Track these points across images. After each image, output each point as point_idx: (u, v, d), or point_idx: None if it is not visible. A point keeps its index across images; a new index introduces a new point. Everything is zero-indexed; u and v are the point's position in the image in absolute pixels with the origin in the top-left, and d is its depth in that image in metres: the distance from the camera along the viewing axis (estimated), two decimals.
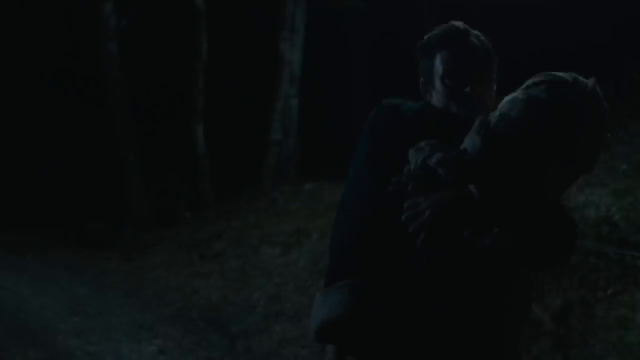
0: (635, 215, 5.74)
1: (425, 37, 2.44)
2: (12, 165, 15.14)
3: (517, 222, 2.07)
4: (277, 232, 9.34)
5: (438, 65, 2.38)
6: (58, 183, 14.76)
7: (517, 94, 2.15)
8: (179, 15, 14.10)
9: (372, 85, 14.85)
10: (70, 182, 14.72)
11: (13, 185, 14.81)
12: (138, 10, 14.37)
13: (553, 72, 2.16)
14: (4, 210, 13.62)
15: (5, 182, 14.69)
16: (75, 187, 14.60)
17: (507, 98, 2.17)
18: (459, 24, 2.42)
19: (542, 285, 5.37)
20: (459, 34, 2.38)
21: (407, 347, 2.23)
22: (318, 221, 9.05)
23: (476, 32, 2.42)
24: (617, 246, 5.47)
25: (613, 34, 10.57)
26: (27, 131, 15.32)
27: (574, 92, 2.11)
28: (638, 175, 6.51)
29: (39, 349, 6.31)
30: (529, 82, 2.16)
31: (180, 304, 7.88)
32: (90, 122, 15.08)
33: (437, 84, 2.39)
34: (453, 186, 2.11)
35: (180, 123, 13.78)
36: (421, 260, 2.14)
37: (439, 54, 2.38)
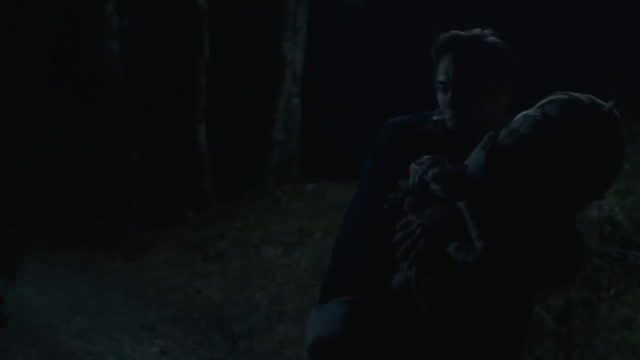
0: (638, 215, 5.73)
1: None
2: (12, 165, 15.12)
3: (516, 238, 2.04)
4: (280, 232, 9.33)
5: (438, 72, 2.38)
6: (59, 183, 14.75)
7: (531, 110, 2.13)
8: (181, 14, 14.09)
9: (374, 84, 14.85)
10: (71, 182, 14.71)
11: (13, 185, 14.80)
12: (140, 9, 14.36)
13: (569, 92, 2.13)
14: (4, 210, 13.59)
15: (5, 182, 14.68)
16: (76, 186, 14.59)
17: (520, 114, 2.14)
18: (458, 32, 2.37)
19: None
20: (460, 41, 2.35)
21: None
22: (321, 221, 9.04)
23: (492, 39, 2.37)
24: (620, 246, 5.46)
25: (616, 33, 10.55)
26: (27, 131, 15.31)
27: (589, 112, 2.07)
28: None
29: (41, 348, 6.31)
30: (544, 100, 2.13)
31: (182, 304, 7.87)
32: (91, 121, 15.07)
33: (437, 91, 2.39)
34: (447, 201, 2.09)
35: (182, 122, 13.77)
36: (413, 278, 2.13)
37: (439, 61, 2.38)
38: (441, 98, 2.36)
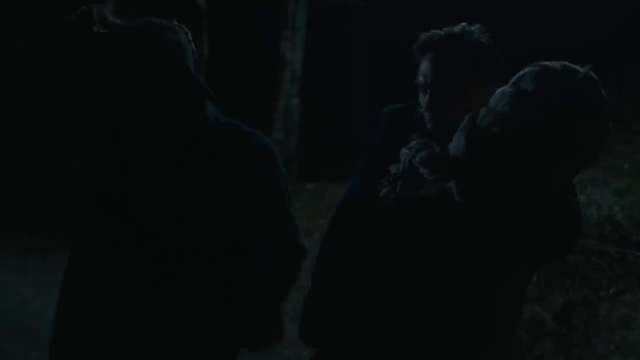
0: (638, 214, 5.73)
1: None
2: (12, 164, 15.12)
3: (505, 217, 2.03)
4: None
5: (419, 72, 2.32)
6: (59, 183, 14.72)
7: (506, 86, 2.09)
8: (180, 14, 14.07)
9: (373, 84, 14.84)
10: (72, 182, 14.67)
11: (13, 184, 14.80)
12: (139, 9, 14.35)
13: (542, 63, 2.07)
14: (4, 210, 13.59)
15: (5, 182, 14.67)
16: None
17: (496, 92, 2.11)
18: (437, 31, 2.31)
19: (544, 285, 5.36)
20: (439, 41, 2.29)
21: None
22: (320, 221, 9.01)
23: (473, 37, 2.29)
24: (619, 245, 5.47)
25: (616, 31, 10.55)
26: (26, 131, 15.28)
27: (563, 81, 2.01)
28: None
29: (41, 348, 6.27)
30: (519, 74, 2.09)
31: None
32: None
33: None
34: (436, 185, 2.09)
35: None
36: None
37: (420, 61, 2.32)
38: (421, 99, 2.31)
